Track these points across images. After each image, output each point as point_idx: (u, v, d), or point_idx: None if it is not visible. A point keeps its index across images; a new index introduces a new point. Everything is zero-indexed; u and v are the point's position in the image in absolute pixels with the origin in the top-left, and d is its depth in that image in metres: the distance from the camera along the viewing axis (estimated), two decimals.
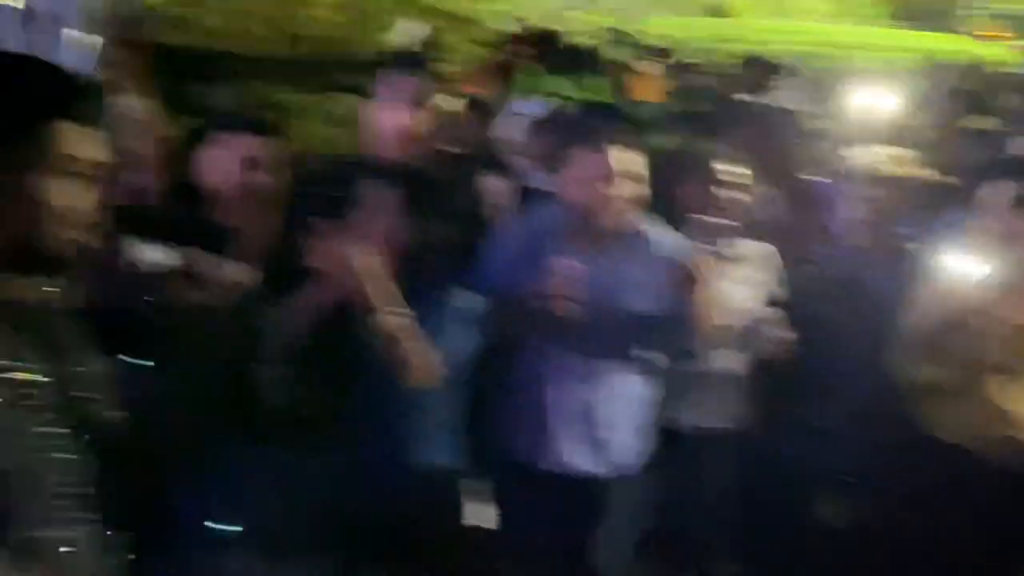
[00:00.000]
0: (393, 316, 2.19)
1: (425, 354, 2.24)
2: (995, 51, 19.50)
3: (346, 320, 2.23)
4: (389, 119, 2.76)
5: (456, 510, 2.54)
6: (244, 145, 2.46)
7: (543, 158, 2.89)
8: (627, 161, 2.57)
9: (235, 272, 1.82)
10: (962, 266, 2.58)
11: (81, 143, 1.31)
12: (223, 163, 2.46)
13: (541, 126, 3.37)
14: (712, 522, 3.02)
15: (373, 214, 2.32)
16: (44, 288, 1.39)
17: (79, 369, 1.42)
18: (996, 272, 2.61)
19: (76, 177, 1.31)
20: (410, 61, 2.92)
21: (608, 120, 3.50)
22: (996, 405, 2.73)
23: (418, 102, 2.78)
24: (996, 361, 2.72)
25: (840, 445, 2.96)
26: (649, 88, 14.95)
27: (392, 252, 2.30)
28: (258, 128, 2.55)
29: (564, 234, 2.58)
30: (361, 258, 2.14)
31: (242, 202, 2.49)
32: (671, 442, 2.89)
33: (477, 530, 2.61)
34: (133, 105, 2.64)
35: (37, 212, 1.28)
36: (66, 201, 1.29)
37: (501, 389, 2.64)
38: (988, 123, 5.81)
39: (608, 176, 2.51)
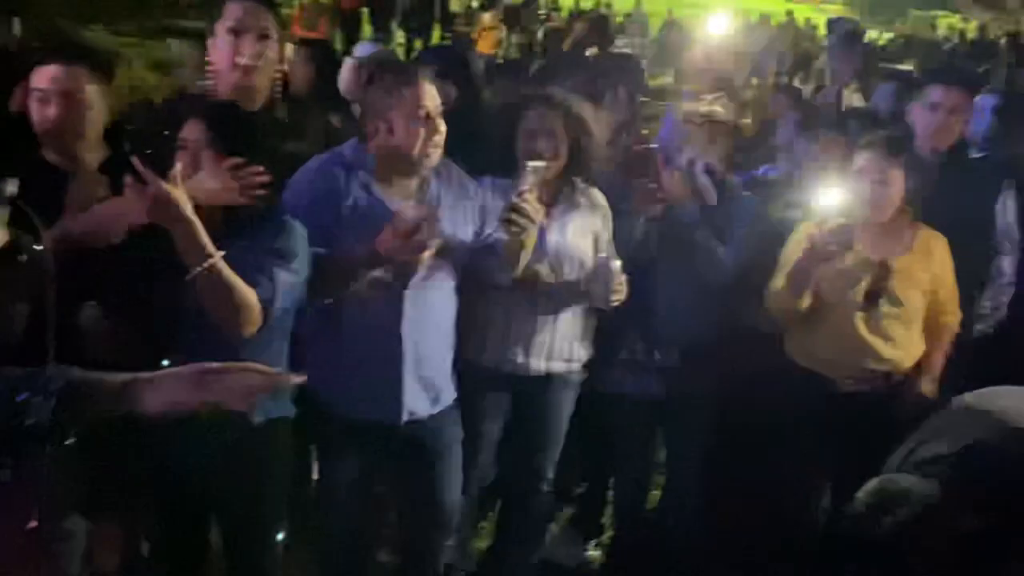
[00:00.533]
0: (206, 260, 2.10)
1: (240, 297, 2.16)
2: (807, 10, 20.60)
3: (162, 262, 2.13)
4: (226, 51, 2.59)
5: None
6: (63, 75, 2.36)
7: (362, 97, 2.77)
8: (434, 97, 2.53)
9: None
10: (824, 206, 2.71)
11: None
12: (41, 95, 2.36)
13: (364, 67, 3.27)
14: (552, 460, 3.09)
15: (194, 154, 2.23)
16: None
17: None
18: (855, 211, 2.77)
19: None
20: None
21: (441, 61, 3.44)
22: (853, 336, 2.91)
23: (259, 35, 2.61)
24: (853, 295, 2.90)
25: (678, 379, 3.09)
26: (489, 40, 14.98)
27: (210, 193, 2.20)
28: (71, 57, 2.42)
29: (371, 172, 2.50)
30: (172, 198, 2.04)
31: (58, 136, 2.39)
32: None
33: None
34: None
35: None
36: None
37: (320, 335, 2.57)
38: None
39: (420, 111, 2.45)
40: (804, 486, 3.12)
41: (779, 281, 3.01)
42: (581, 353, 3.02)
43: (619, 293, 2.79)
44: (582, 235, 2.92)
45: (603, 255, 2.80)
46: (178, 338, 2.21)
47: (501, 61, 15.20)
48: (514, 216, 2.50)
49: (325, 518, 2.75)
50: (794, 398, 3.09)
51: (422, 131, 2.47)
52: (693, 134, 3.11)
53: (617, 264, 2.76)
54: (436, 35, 16.27)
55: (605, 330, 3.10)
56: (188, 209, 2.09)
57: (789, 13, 19.17)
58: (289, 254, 2.29)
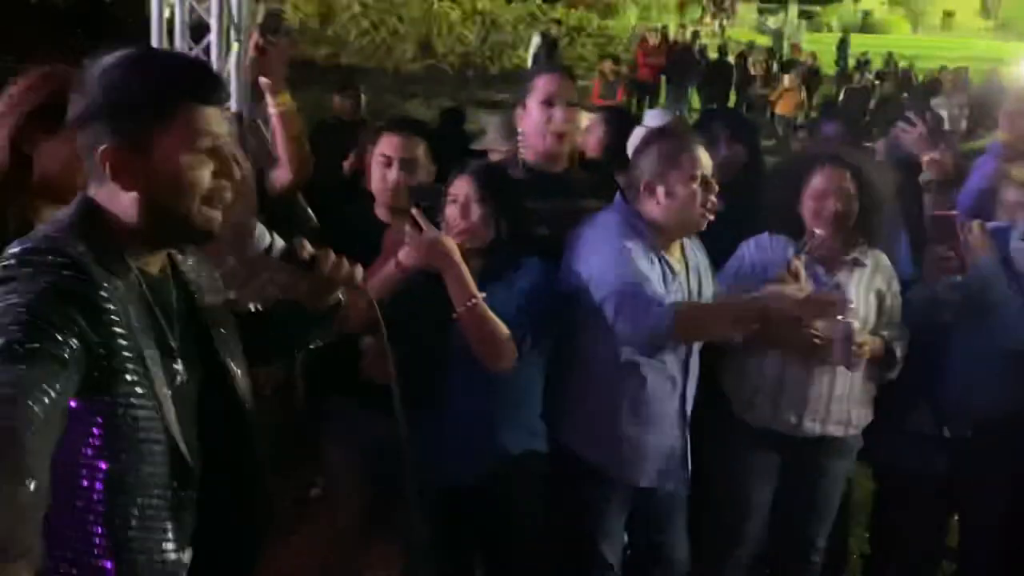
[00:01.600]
0: (470, 300, 2.34)
1: (501, 336, 2.35)
2: None
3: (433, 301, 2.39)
4: (539, 120, 2.80)
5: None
6: (405, 144, 2.70)
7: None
8: (708, 162, 2.53)
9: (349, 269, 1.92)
10: None
11: (213, 121, 1.42)
12: (385, 160, 2.69)
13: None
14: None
15: (463, 207, 2.46)
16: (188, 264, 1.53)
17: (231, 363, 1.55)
18: None
19: (211, 153, 1.41)
20: (559, 66, 2.95)
21: (732, 125, 3.47)
22: None
23: (566, 102, 2.80)
24: None
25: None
26: (787, 102, 14.74)
27: (475, 240, 2.45)
28: (411, 130, 2.78)
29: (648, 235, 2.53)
30: (444, 244, 2.34)
31: (396, 194, 2.68)
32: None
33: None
34: (274, 106, 2.80)
35: (180, 187, 1.39)
36: (204, 175, 1.40)
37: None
38: None
39: (694, 176, 2.47)
40: None
41: None
42: (859, 417, 2.90)
43: (860, 357, 2.66)
44: (865, 295, 2.81)
45: (848, 321, 2.66)
46: (446, 369, 2.45)
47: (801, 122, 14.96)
48: (786, 277, 2.50)
49: None
50: None
51: (699, 194, 2.52)
52: (1013, 198, 2.91)
53: (854, 325, 2.64)
54: (732, 99, 16.25)
55: (893, 400, 2.94)
56: (457, 255, 2.34)
57: None
58: (538, 294, 2.45)
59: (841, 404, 2.79)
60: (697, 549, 2.85)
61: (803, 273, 2.52)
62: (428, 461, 2.23)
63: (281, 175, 2.85)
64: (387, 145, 2.72)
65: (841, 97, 15.78)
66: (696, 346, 2.60)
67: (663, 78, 15.90)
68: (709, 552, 2.92)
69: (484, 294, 2.35)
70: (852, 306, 2.58)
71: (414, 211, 2.35)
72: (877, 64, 19.55)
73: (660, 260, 2.52)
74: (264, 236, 1.65)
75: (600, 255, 2.46)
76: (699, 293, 2.61)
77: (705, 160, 2.52)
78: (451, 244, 2.35)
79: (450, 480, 2.47)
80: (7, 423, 1.11)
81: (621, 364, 2.52)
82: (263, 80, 2.79)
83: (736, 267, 2.83)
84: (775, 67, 17.07)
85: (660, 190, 2.49)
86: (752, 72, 16.71)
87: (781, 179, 2.98)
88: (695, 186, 2.48)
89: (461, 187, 2.46)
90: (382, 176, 2.71)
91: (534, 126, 2.83)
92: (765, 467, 2.85)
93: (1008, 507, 2.93)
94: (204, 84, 1.44)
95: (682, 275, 2.55)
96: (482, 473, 2.46)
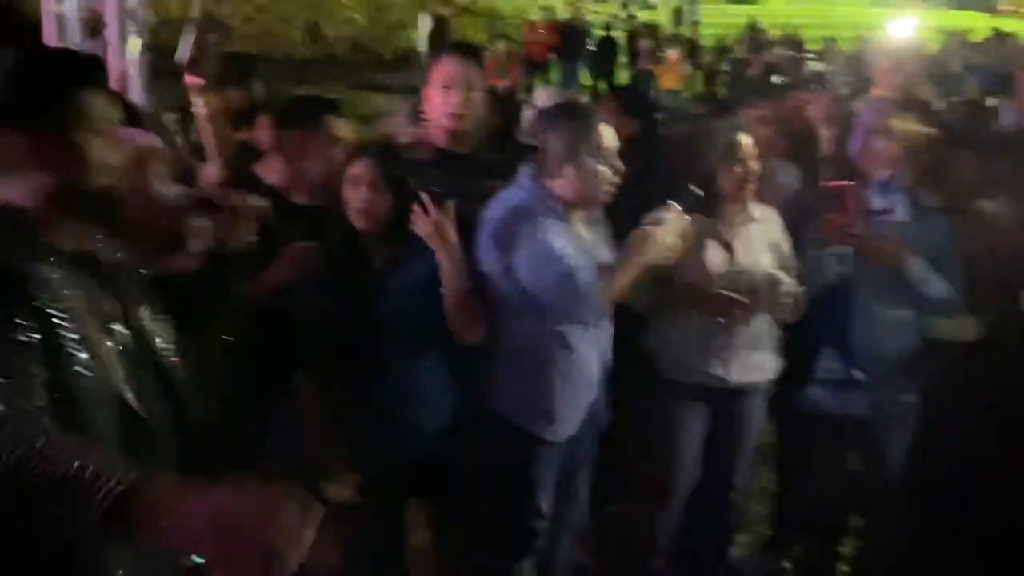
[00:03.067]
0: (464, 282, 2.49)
1: (481, 312, 2.52)
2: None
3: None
4: (436, 102, 2.87)
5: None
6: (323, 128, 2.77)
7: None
8: (612, 137, 2.65)
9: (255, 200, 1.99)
10: None
11: (106, 106, 1.58)
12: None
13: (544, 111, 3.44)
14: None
15: (364, 188, 2.50)
16: (95, 237, 1.64)
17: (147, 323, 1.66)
18: None
19: (104, 134, 1.57)
20: (457, 48, 3.01)
21: (623, 100, 3.64)
22: None
23: (465, 84, 2.86)
24: None
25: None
26: (672, 75, 15.12)
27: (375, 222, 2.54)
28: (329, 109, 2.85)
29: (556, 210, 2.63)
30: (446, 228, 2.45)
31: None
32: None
33: None
34: (203, 106, 2.82)
35: (78, 163, 1.54)
36: (100, 154, 1.56)
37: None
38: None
39: (600, 152, 2.58)
40: None
41: None
42: (774, 363, 3.09)
43: (788, 305, 2.90)
44: (762, 247, 3.02)
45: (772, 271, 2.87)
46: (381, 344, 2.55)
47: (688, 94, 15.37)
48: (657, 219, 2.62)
49: None
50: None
51: (604, 169, 2.62)
52: (886, 150, 3.13)
53: (782, 275, 2.86)
54: (623, 76, 16.57)
55: (805, 347, 3.15)
56: (454, 238, 2.46)
57: (995, 30, 18.06)
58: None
59: (759, 352, 3.01)
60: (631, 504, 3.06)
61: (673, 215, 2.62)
62: (365, 435, 2.36)
63: (210, 172, 2.88)
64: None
65: (726, 68, 16.31)
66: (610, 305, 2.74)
67: (553, 56, 16.13)
68: (645, 505, 3.15)
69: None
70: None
71: (423, 195, 2.45)
72: (761, 34, 20.13)
73: (571, 234, 2.63)
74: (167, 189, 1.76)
75: (524, 242, 2.56)
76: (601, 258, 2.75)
77: (609, 136, 2.65)
78: (450, 227, 2.46)
79: (389, 455, 2.57)
80: None
81: (548, 335, 2.64)
82: (194, 80, 2.81)
83: None
84: (658, 43, 17.44)
85: (569, 167, 2.60)
86: (638, 47, 17.06)
87: (690, 146, 3.14)
88: (601, 162, 2.61)
89: (361, 168, 2.52)
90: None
91: (434, 109, 2.93)
92: (695, 420, 3.05)
93: (913, 447, 3.17)
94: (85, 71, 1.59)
95: (589, 245, 2.69)
96: (418, 447, 2.59)
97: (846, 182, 3.05)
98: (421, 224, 2.44)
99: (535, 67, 15.67)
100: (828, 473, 3.34)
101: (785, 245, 3.06)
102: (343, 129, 2.79)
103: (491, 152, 3.10)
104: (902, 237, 3.03)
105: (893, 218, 3.08)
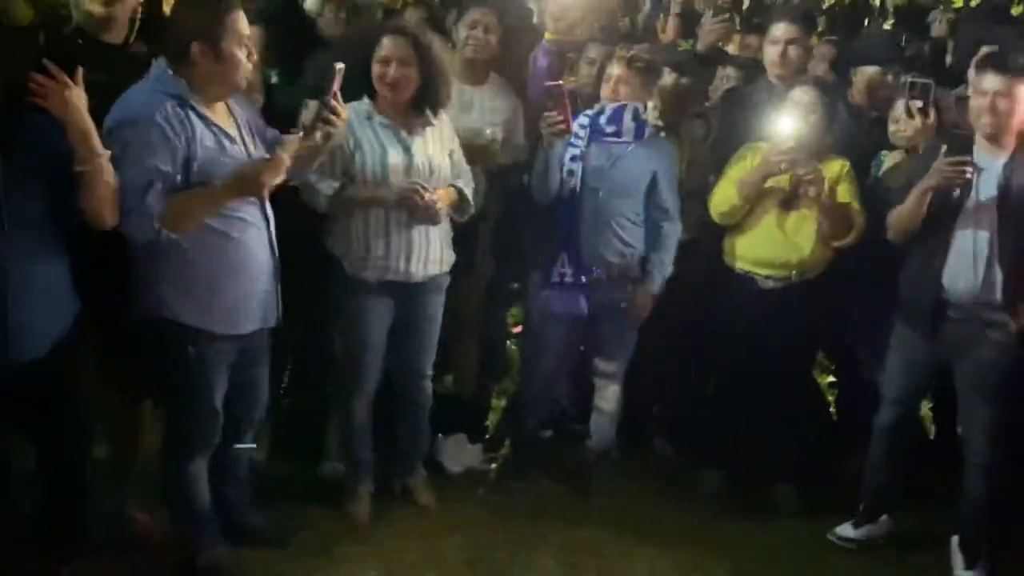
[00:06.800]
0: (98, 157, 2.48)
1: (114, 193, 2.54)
2: None
3: None
4: None
5: None
6: None
7: None
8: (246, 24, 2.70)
9: None
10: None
11: None
12: None
13: None
14: None
15: None
16: None
17: None
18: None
19: None
20: None
21: None
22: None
23: None
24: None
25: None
26: None
27: None
28: None
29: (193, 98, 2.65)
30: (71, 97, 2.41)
31: None
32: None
33: None
34: None
35: None
36: None
37: None
38: None
39: (241, 37, 2.65)
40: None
41: (727, 191, 3.51)
42: (449, 256, 3.40)
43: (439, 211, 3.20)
44: (440, 151, 3.30)
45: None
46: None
47: None
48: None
49: None
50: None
51: (243, 56, 2.66)
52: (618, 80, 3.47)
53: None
54: None
55: (537, 256, 3.63)
56: (83, 110, 2.39)
57: None
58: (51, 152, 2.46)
59: (436, 246, 3.31)
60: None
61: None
62: None
63: None
64: None
65: None
66: (267, 193, 2.82)
67: None
68: (340, 393, 3.48)
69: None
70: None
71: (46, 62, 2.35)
72: None
73: (211, 127, 2.69)
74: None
75: (124, 141, 2.55)
76: (252, 153, 2.82)
77: (244, 23, 2.68)
78: (77, 97, 2.37)
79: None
80: None
81: (210, 235, 2.70)
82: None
83: None
84: None
85: (209, 52, 2.62)
86: None
87: (351, 47, 3.28)
88: (241, 48, 2.67)
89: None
90: None
91: None
92: (380, 313, 3.30)
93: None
94: None
95: (238, 138, 2.78)
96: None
97: (560, 81, 3.42)
98: (43, 95, 2.33)
99: None
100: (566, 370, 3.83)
101: (457, 151, 3.36)
102: None
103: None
104: (631, 156, 3.50)
105: (620, 140, 3.52)
